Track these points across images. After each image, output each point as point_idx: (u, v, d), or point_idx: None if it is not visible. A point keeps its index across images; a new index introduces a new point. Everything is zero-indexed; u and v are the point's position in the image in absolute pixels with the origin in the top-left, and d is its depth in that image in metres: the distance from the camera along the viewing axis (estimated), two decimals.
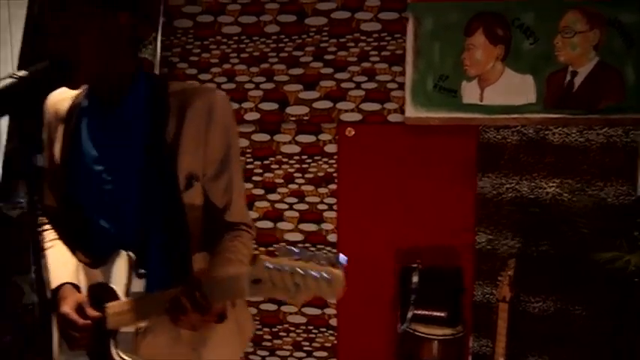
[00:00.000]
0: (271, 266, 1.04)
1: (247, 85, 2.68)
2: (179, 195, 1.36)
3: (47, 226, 1.56)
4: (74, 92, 1.44)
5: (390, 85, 2.53)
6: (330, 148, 2.62)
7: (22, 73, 1.14)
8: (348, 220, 2.64)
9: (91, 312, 1.34)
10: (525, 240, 2.39)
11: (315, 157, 2.64)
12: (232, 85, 2.68)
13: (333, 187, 2.64)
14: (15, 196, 2.77)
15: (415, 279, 2.44)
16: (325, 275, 0.99)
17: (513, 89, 2.36)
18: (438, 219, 2.52)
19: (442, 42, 2.41)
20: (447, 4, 2.40)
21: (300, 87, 2.62)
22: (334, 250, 2.66)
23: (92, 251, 1.43)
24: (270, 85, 2.66)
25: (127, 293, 1.35)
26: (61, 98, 1.46)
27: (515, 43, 2.35)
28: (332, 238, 2.66)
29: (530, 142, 2.35)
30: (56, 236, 1.53)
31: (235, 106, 2.68)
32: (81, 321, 1.33)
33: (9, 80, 1.12)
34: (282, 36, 2.64)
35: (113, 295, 1.36)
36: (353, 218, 2.63)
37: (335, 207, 2.64)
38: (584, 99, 2.29)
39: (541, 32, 2.32)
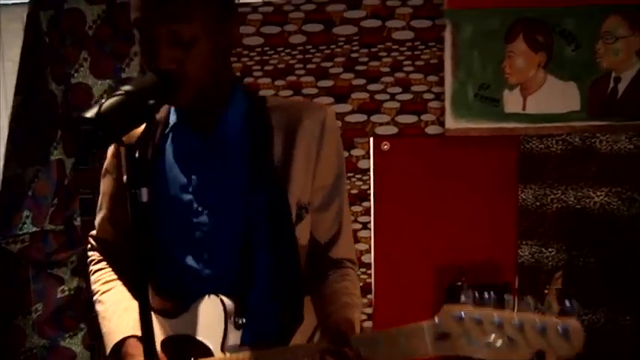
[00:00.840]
0: (466, 316, 0.88)
1: None
2: (292, 229, 1.19)
3: (101, 265, 1.34)
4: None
5: (427, 96, 2.43)
6: (364, 164, 2.49)
7: (128, 87, 0.96)
8: (383, 240, 2.51)
9: None
10: (572, 252, 2.33)
11: (349, 174, 2.51)
12: None
13: (367, 204, 2.51)
14: (15, 228, 2.50)
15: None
16: (559, 325, 0.83)
17: (556, 97, 2.31)
18: (478, 233, 2.43)
19: (482, 50, 2.34)
20: (485, 10, 2.33)
21: (331, 100, 2.48)
22: (369, 272, 2.53)
23: (171, 296, 1.23)
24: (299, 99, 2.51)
25: (223, 348, 1.15)
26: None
27: (556, 50, 2.30)
28: (367, 258, 2.52)
29: (576, 150, 2.30)
30: (114, 277, 1.31)
31: None
32: None
33: (117, 97, 0.93)
34: (309, 46, 2.50)
35: (201, 351, 1.16)
36: (389, 237, 2.50)
37: (370, 226, 2.51)
38: (629, 105, 2.27)
39: (583, 38, 2.28)
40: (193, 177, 1.20)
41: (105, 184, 1.29)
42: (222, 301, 1.15)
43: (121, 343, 1.20)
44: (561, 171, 2.32)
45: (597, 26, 2.28)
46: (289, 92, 2.51)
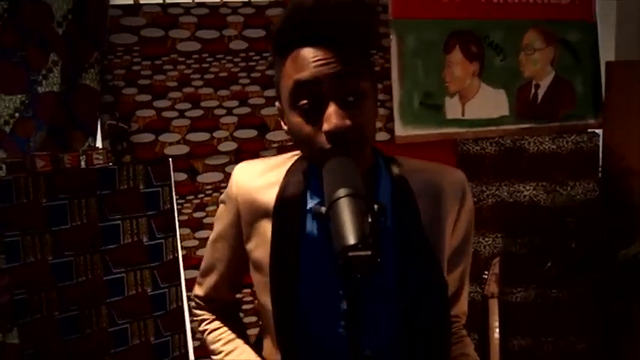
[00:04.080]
0: None
1: (217, 111, 2.33)
2: (447, 300, 1.15)
3: (216, 324, 1.31)
4: (272, 177, 1.15)
5: None
6: None
7: (351, 191, 0.87)
8: None
9: None
10: (506, 239, 2.60)
11: None
12: (199, 112, 2.31)
13: None
14: None
15: None
16: None
17: (489, 103, 2.53)
18: None
19: (424, 59, 2.45)
20: (426, 21, 2.43)
21: None
22: None
23: None
24: (245, 110, 2.36)
25: None
26: (261, 185, 1.15)
27: (487, 60, 2.51)
28: None
29: (507, 151, 2.55)
30: (233, 336, 1.28)
31: (206, 136, 2.31)
32: None
33: (359, 210, 0.83)
34: (252, 53, 2.36)
35: None
36: None
37: None
38: (546, 109, 2.58)
39: (508, 49, 2.53)
40: None
41: (219, 250, 1.25)
42: None
43: None
44: (495, 170, 2.56)
45: (519, 39, 2.54)
46: (234, 103, 2.35)
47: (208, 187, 2.36)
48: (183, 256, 2.33)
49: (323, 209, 0.85)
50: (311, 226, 1.10)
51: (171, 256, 2.30)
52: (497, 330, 2.54)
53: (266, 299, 1.14)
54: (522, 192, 2.57)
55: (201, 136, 2.32)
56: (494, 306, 2.58)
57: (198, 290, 1.33)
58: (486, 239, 2.61)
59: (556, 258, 2.51)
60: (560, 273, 2.47)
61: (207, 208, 2.36)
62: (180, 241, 2.34)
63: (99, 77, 2.16)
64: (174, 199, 2.31)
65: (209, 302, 1.31)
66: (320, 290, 1.10)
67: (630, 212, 2.38)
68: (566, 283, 2.53)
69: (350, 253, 0.75)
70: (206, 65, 2.32)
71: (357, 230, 0.77)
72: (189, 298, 1.35)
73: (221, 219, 1.23)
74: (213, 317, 1.30)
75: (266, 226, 1.12)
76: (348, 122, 0.98)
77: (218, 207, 1.28)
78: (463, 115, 2.51)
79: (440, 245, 1.13)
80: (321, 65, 1.00)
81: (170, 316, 2.28)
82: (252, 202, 1.15)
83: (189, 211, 2.35)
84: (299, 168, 1.15)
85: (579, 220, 2.51)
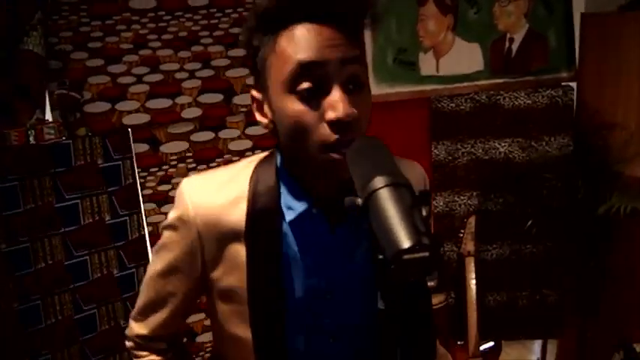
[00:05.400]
0: None
1: (179, 75, 2.14)
2: (430, 309, 1.07)
3: None
4: (234, 191, 0.99)
5: None
6: None
7: (395, 179, 0.73)
8: None
9: None
10: (481, 198, 2.57)
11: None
12: (159, 77, 2.11)
13: None
14: None
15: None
16: None
17: (464, 58, 2.43)
18: None
19: (398, 14, 2.31)
20: None
21: (246, 71, 2.21)
22: None
23: None
24: (208, 73, 2.17)
25: None
26: (223, 203, 0.99)
27: (461, 13, 2.40)
28: None
29: (482, 107, 2.48)
30: None
31: (167, 102, 2.13)
32: None
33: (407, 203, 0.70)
34: (214, 10, 2.16)
35: None
36: None
37: None
38: (520, 63, 2.51)
39: (482, 1, 2.42)
40: (323, 270, 1.00)
41: (171, 283, 1.06)
42: None
43: None
44: (470, 127, 2.49)
45: None
46: (197, 65, 2.16)
47: (173, 157, 2.19)
48: (149, 233, 2.18)
49: (359, 201, 0.72)
50: (289, 241, 0.98)
51: (136, 234, 2.15)
52: (474, 287, 2.54)
53: (241, 330, 1.01)
54: (498, 149, 2.52)
55: (162, 103, 2.13)
56: (470, 264, 2.56)
57: (140, 329, 1.12)
58: (462, 197, 2.57)
59: (532, 214, 2.49)
60: (538, 229, 2.46)
61: (173, 180, 2.19)
62: (146, 218, 2.18)
63: (43, 41, 1.92)
64: (137, 173, 2.13)
65: (154, 340, 1.13)
66: (305, 308, 1.00)
67: (604, 166, 2.38)
68: (541, 238, 2.53)
69: (405, 257, 0.64)
70: (163, 24, 2.11)
71: (411, 228, 0.65)
72: (125, 337, 1.15)
73: (171, 247, 1.03)
74: (160, 359, 1.13)
75: (237, 250, 0.98)
76: (355, 111, 0.86)
77: (162, 232, 1.06)
78: (438, 71, 2.41)
79: None
80: (328, 47, 0.86)
81: None
82: (217, 223, 0.98)
83: (154, 184, 2.18)
84: (264, 175, 1.00)
85: (554, 175, 2.49)
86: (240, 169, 1.02)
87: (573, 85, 2.54)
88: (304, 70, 0.87)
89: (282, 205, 0.97)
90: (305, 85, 0.87)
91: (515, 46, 2.49)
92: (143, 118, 2.11)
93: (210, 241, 0.98)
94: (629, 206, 2.14)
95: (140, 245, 2.16)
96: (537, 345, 3.08)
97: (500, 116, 2.49)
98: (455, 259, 2.64)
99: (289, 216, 0.97)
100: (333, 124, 0.86)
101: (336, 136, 0.86)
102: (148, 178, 2.16)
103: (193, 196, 0.98)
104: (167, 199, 2.20)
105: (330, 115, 0.86)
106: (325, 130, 0.87)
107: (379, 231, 0.67)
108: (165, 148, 2.17)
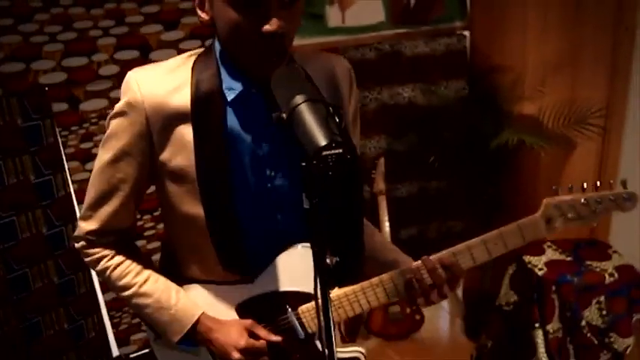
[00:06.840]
0: (561, 204, 1.15)
1: (93, 33, 2.16)
2: (359, 168, 1.24)
3: (119, 258, 1.22)
4: (177, 79, 1.10)
5: None
6: None
7: (307, 96, 0.89)
8: None
9: (266, 333, 1.21)
10: (389, 140, 2.78)
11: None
12: (73, 35, 2.12)
13: None
14: None
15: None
16: (622, 194, 1.16)
17: (367, 10, 2.60)
18: None
19: None
20: None
21: (160, 27, 2.26)
22: None
23: (240, 263, 1.20)
24: (123, 30, 2.20)
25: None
26: (168, 89, 1.09)
27: None
28: None
29: (386, 56, 2.67)
30: (140, 266, 1.23)
31: (84, 60, 2.15)
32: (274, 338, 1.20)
33: (323, 112, 0.87)
34: None
35: (297, 298, 1.22)
36: None
37: None
38: (418, 14, 2.71)
39: None
40: (264, 144, 1.14)
41: (122, 169, 1.13)
42: (305, 247, 1.16)
43: (197, 322, 1.19)
44: (376, 75, 2.68)
45: None
46: (111, 22, 2.18)
47: (93, 115, 2.22)
48: (75, 190, 2.21)
49: (284, 115, 0.87)
50: (232, 120, 1.10)
51: (63, 192, 2.18)
52: (388, 224, 2.77)
53: (192, 208, 1.12)
54: (401, 94, 2.74)
55: (79, 61, 2.14)
56: (382, 202, 2.79)
57: (89, 225, 1.17)
58: (372, 141, 2.77)
59: (434, 152, 2.74)
60: (440, 165, 2.72)
61: (95, 138, 2.23)
62: (70, 176, 2.21)
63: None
64: (58, 132, 2.15)
65: (105, 235, 1.18)
66: (252, 184, 1.13)
67: (496, 105, 2.65)
68: (444, 174, 2.80)
69: (324, 153, 0.79)
70: None
71: (326, 131, 0.82)
72: (74, 240, 1.20)
73: (120, 134, 1.09)
74: (113, 252, 1.19)
75: (184, 131, 1.07)
76: (287, 24, 0.99)
77: (110, 123, 1.12)
78: (344, 22, 2.57)
79: (349, 123, 1.23)
80: None
81: (72, 253, 2.19)
82: (164, 106, 1.06)
83: (76, 142, 2.21)
84: (205, 63, 1.10)
85: (453, 116, 2.74)
86: (182, 61, 1.13)
87: (466, 33, 2.79)
88: None
89: (224, 87, 1.09)
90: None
91: None
92: (60, 76, 2.12)
93: (158, 124, 1.07)
94: (516, 138, 2.42)
95: (67, 203, 2.20)
96: None
97: (402, 64, 2.70)
98: (369, 198, 2.86)
99: (230, 96, 1.09)
100: (268, 36, 0.98)
101: (267, 47, 0.99)
102: (70, 136, 2.19)
103: (140, 82, 1.07)
104: (90, 157, 2.23)
105: (267, 27, 0.97)
106: (260, 40, 0.99)
107: (302, 137, 0.84)
108: (85, 106, 2.19)
